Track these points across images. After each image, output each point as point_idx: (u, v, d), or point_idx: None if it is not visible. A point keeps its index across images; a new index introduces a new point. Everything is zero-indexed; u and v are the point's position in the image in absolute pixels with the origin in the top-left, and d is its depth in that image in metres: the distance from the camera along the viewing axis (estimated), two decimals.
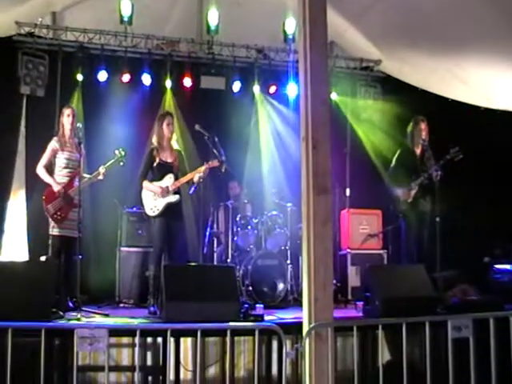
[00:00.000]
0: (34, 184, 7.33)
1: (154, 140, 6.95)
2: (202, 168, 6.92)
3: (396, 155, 7.47)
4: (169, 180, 6.81)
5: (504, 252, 7.62)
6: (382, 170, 8.62)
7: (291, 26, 8.88)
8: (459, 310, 5.57)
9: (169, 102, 8.95)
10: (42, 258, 6.51)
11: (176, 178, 6.83)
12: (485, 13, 6.91)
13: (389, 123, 9.06)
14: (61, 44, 8.52)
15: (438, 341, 5.00)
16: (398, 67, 9.39)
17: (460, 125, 8.26)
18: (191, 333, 4.98)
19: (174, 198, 6.76)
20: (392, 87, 9.53)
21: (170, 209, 6.72)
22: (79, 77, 8.53)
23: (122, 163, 6.94)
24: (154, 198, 6.74)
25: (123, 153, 6.92)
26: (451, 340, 4.45)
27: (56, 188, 6.59)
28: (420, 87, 9.12)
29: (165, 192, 6.72)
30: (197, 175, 6.89)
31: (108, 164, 6.84)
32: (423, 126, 7.28)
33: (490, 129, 8.25)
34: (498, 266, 7.14)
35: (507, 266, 7.01)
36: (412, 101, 8.61)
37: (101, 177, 6.81)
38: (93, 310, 6.15)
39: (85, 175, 6.81)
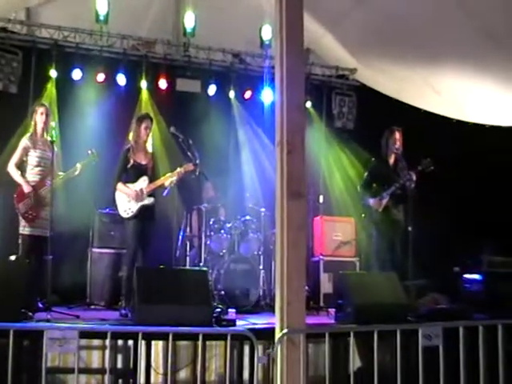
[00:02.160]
0: (4, 182, 7.18)
1: (131, 138, 6.89)
2: (176, 171, 6.90)
3: (369, 166, 7.51)
4: (143, 182, 6.75)
5: (474, 262, 7.72)
6: (355, 178, 8.70)
7: (268, 31, 8.88)
8: (430, 318, 5.60)
9: (145, 103, 8.90)
10: (12, 258, 6.41)
11: (150, 181, 6.79)
12: (461, 24, 7.01)
13: (363, 133, 9.14)
14: (35, 40, 8.44)
15: (408, 348, 5.03)
16: (374, 76, 9.48)
17: (433, 135, 8.36)
18: (163, 336, 4.93)
19: (148, 201, 6.71)
20: (367, 96, 9.60)
21: (144, 211, 6.68)
22: (53, 74, 8.46)
23: (94, 162, 6.86)
24: (128, 200, 6.69)
25: (95, 152, 6.84)
26: (422, 348, 4.49)
27: (26, 189, 6.50)
28: (394, 97, 9.20)
29: (139, 196, 6.68)
30: (169, 179, 6.87)
31: (83, 162, 6.77)
32: (397, 135, 7.31)
33: (462, 140, 8.36)
34: (467, 276, 7.22)
35: (476, 276, 7.10)
36: (387, 110, 8.68)
37: (77, 172, 6.73)
38: (63, 312, 6.06)
39: (59, 173, 6.72)
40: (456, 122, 8.83)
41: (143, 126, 6.85)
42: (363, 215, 7.58)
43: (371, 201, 7.26)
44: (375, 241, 7.27)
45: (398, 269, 6.48)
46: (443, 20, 7.07)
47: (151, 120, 7.01)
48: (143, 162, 6.84)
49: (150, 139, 7.02)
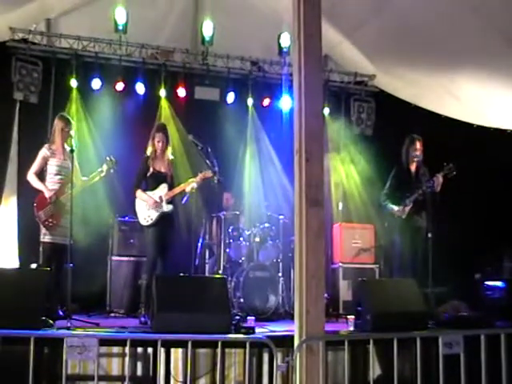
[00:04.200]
0: (25, 191, 7.27)
1: (149, 150, 6.94)
2: (196, 179, 6.94)
3: (392, 173, 7.48)
4: (163, 190, 6.81)
5: (495, 269, 7.65)
6: (375, 185, 8.65)
7: (286, 38, 8.92)
8: (450, 325, 5.57)
9: (165, 111, 8.95)
10: (33, 266, 6.46)
11: (170, 188, 6.83)
12: (479, 29, 6.97)
13: (382, 139, 9.10)
14: (55, 51, 8.54)
15: (428, 356, 4.98)
16: (392, 82, 9.44)
17: (453, 141, 8.30)
18: (182, 344, 4.94)
19: (167, 208, 6.76)
20: (386, 102, 9.57)
21: (163, 218, 6.72)
22: (73, 84, 8.53)
23: (112, 170, 6.89)
24: (148, 208, 6.73)
25: (114, 160, 6.88)
26: (442, 356, 4.44)
27: (48, 194, 6.55)
28: (413, 103, 9.16)
29: (158, 204, 6.71)
30: (189, 186, 6.90)
31: (101, 169, 6.80)
32: (418, 145, 7.28)
33: (483, 146, 8.29)
34: (488, 283, 7.14)
35: (498, 283, 7.01)
36: (405, 116, 8.64)
37: (97, 178, 6.77)
38: (83, 319, 6.09)
39: (83, 178, 6.76)
40: (476, 127, 8.76)
41: (156, 140, 6.91)
42: (386, 224, 7.54)
43: (395, 208, 7.23)
44: (398, 248, 7.23)
45: (419, 276, 6.44)
46: (461, 26, 7.06)
47: (164, 132, 7.00)
48: (163, 170, 6.89)
49: (170, 148, 7.06)
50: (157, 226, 6.68)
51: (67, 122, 6.82)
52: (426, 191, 6.93)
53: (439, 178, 6.90)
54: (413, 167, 7.35)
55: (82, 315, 6.44)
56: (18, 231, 7.96)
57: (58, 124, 6.79)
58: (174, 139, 8.43)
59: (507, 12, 6.55)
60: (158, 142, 6.90)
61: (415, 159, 7.26)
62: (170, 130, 7.31)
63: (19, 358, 4.30)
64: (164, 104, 9.00)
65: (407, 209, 7.15)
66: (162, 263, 6.63)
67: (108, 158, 6.87)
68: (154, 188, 6.82)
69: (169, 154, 7.03)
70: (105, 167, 6.76)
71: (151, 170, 6.83)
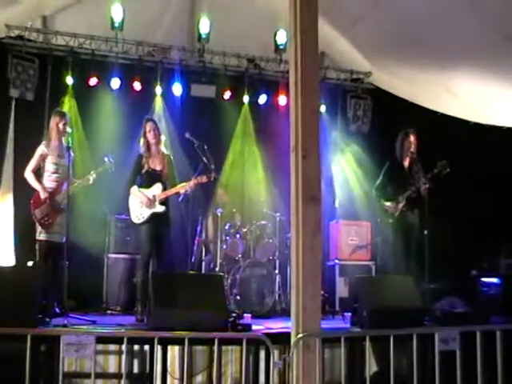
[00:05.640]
0: (21, 188, 7.27)
1: (141, 147, 6.92)
2: (190, 183, 6.89)
3: (384, 168, 7.47)
4: (157, 189, 6.76)
5: (491, 265, 7.67)
6: (371, 182, 8.66)
7: (282, 36, 8.91)
8: (446, 322, 5.57)
9: (158, 108, 8.93)
10: (29, 263, 6.46)
11: (164, 187, 6.79)
12: (477, 26, 6.96)
13: (378, 136, 9.11)
14: (51, 48, 8.51)
15: (425, 353, 5.00)
16: (389, 79, 9.44)
17: (449, 138, 8.31)
18: (178, 341, 4.95)
19: (159, 209, 6.72)
20: (382, 99, 9.57)
21: (156, 217, 6.70)
22: (69, 81, 8.51)
23: (109, 170, 6.89)
24: (140, 206, 6.71)
25: (112, 160, 6.87)
26: (438, 352, 4.46)
27: (43, 195, 6.53)
28: (410, 100, 9.16)
29: (152, 203, 6.69)
30: (183, 189, 6.88)
31: (98, 170, 6.80)
32: (412, 138, 7.26)
33: (479, 143, 8.30)
34: (485, 279, 7.15)
35: (494, 280, 7.03)
36: (402, 113, 8.64)
37: (90, 182, 6.77)
38: (79, 317, 6.10)
39: (75, 180, 6.76)
40: (473, 124, 8.76)
41: (147, 129, 6.86)
42: (379, 220, 7.56)
43: (387, 204, 7.23)
44: (391, 245, 7.25)
45: (415, 272, 6.46)
46: (458, 22, 7.04)
47: (153, 122, 6.98)
48: (157, 168, 6.85)
49: (163, 138, 7.04)
50: (150, 224, 6.65)
51: (62, 116, 6.80)
52: (420, 188, 6.92)
53: (427, 181, 6.88)
54: (406, 163, 7.30)
55: (78, 313, 6.43)
56: (14, 229, 7.95)
57: (53, 119, 6.77)
58: (170, 136, 8.45)
59: (504, 9, 6.55)
60: (149, 131, 6.84)
61: (409, 154, 7.23)
62: (164, 127, 7.29)
63: (16, 355, 4.30)
64: (159, 101, 8.97)
65: (400, 205, 7.13)
66: (157, 261, 6.60)
67: (106, 159, 6.86)
68: (148, 186, 6.79)
69: (163, 149, 7.00)
70: (92, 176, 6.74)
71: (146, 167, 6.79)
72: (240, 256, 7.79)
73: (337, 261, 8.40)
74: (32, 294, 5.06)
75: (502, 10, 6.64)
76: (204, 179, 6.95)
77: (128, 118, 8.45)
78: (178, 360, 5.83)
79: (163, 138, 7.14)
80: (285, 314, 7.07)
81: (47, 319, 5.34)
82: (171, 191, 6.83)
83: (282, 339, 4.95)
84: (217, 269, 7.63)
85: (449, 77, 8.25)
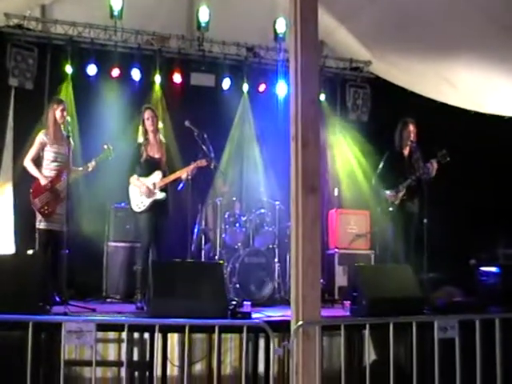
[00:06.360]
0: (21, 177, 7.28)
1: (140, 136, 6.93)
2: (190, 167, 6.91)
3: (384, 157, 7.47)
4: (156, 177, 6.79)
5: (489, 255, 7.67)
6: (370, 171, 8.66)
7: (282, 24, 8.88)
8: (445, 311, 5.58)
9: (157, 97, 8.90)
10: (29, 252, 6.47)
11: (164, 175, 6.81)
12: (476, 16, 6.95)
13: (378, 125, 9.10)
14: (50, 37, 8.48)
15: (424, 341, 5.02)
16: (388, 69, 9.42)
17: (449, 128, 8.30)
18: (179, 329, 4.97)
19: (160, 196, 6.74)
20: (381, 88, 9.56)
21: (156, 205, 6.72)
22: (68, 70, 8.48)
23: (110, 158, 6.90)
24: (140, 194, 6.73)
25: (111, 147, 6.88)
26: (437, 340, 4.48)
27: (43, 182, 6.55)
28: (409, 89, 9.15)
29: (151, 191, 6.71)
30: (184, 173, 6.89)
31: (99, 157, 6.81)
32: (411, 127, 7.27)
33: (479, 132, 8.29)
34: (483, 269, 7.17)
35: (493, 269, 7.04)
36: (401, 102, 8.64)
37: (90, 169, 6.78)
38: (79, 305, 6.11)
39: (74, 168, 6.77)
40: (473, 113, 8.75)
41: (145, 117, 6.87)
42: (379, 209, 7.57)
43: (387, 193, 7.24)
44: (391, 234, 7.26)
45: (414, 262, 6.47)
46: (457, 13, 7.02)
47: (151, 110, 7.00)
48: (156, 156, 6.87)
49: (160, 130, 7.05)
50: (149, 212, 6.68)
51: (59, 103, 6.80)
52: (422, 177, 6.93)
53: (434, 164, 6.92)
54: (406, 151, 7.32)
55: (78, 301, 6.44)
56: (14, 217, 7.96)
57: (53, 109, 6.76)
58: (169, 125, 8.45)
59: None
60: (148, 118, 6.85)
61: (409, 143, 7.24)
62: (163, 116, 7.28)
63: (16, 343, 4.32)
64: (158, 90, 8.94)
65: (400, 194, 7.15)
66: (156, 249, 6.62)
67: (105, 147, 6.87)
68: (147, 174, 6.81)
69: (161, 137, 7.02)
70: (93, 163, 6.77)
71: (144, 155, 6.81)
72: (239, 244, 7.79)
73: (336, 250, 8.41)
74: (32, 282, 5.07)
75: (499, 0, 6.64)
76: (203, 163, 6.97)
77: (127, 107, 8.44)
78: (177, 348, 5.85)
79: (161, 125, 7.14)
80: (284, 302, 7.10)
81: (48, 307, 5.35)
82: (171, 177, 6.85)
83: (281, 327, 4.97)
84: (216, 257, 7.64)
85: (447, 67, 8.24)
